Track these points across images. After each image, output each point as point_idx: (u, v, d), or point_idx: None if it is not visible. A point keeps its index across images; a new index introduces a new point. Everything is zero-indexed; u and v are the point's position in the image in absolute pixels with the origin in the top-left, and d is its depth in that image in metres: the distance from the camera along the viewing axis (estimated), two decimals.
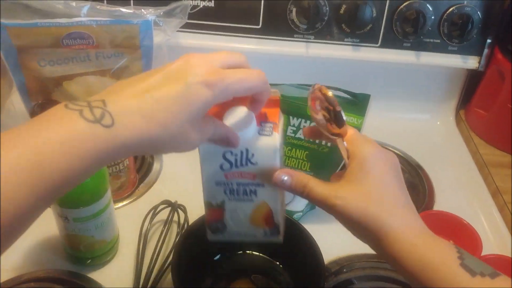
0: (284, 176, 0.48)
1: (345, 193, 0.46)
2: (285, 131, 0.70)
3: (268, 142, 0.48)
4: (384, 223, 0.44)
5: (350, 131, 0.50)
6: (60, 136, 0.36)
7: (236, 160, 0.48)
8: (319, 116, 0.50)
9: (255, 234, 0.54)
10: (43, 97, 0.77)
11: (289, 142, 0.71)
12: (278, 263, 0.69)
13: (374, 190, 0.46)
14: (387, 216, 0.45)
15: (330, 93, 0.50)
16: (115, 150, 0.38)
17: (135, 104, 0.39)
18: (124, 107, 0.38)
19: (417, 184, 0.89)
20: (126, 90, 0.40)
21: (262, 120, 0.49)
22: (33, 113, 0.72)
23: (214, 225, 0.54)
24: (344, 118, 0.49)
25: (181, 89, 0.40)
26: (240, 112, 0.47)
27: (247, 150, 0.48)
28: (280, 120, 0.50)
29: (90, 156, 0.36)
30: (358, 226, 0.45)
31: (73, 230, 0.65)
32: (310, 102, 0.50)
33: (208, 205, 0.53)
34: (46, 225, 0.71)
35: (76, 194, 0.61)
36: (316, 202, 0.48)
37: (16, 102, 0.82)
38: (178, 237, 0.70)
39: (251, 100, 0.47)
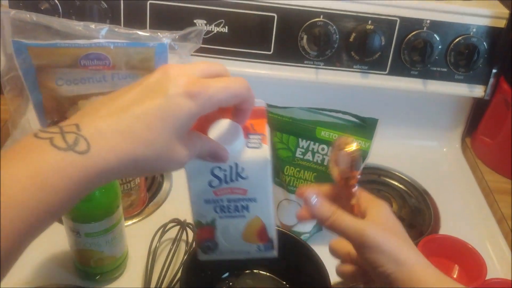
0: (314, 197, 0.49)
1: (369, 225, 0.48)
2: (294, 152, 0.72)
3: (258, 155, 0.45)
4: (404, 257, 0.46)
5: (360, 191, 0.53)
6: (30, 171, 0.32)
7: (225, 175, 0.46)
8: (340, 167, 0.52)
9: (249, 250, 0.53)
10: (58, 115, 0.79)
11: (297, 164, 0.72)
12: (285, 282, 0.69)
13: (392, 230, 0.49)
14: (406, 251, 0.47)
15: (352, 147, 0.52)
16: (96, 177, 0.35)
17: (113, 124, 0.36)
18: (101, 129, 0.35)
19: (423, 209, 0.90)
20: (101, 109, 0.37)
21: (249, 132, 0.46)
22: None
23: (205, 244, 0.52)
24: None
25: (162, 102, 0.37)
26: (225, 124, 0.45)
27: (236, 165, 0.45)
28: (268, 131, 0.48)
29: (66, 187, 0.33)
30: (376, 256, 0.47)
31: (84, 245, 0.66)
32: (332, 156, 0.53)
33: (198, 224, 0.50)
34: (57, 240, 0.72)
35: (89, 209, 0.63)
36: (342, 230, 0.48)
37: (31, 119, 0.83)
38: (187, 255, 0.71)
39: (235, 111, 0.45)
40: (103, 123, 0.35)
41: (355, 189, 0.52)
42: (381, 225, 0.48)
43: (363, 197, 0.52)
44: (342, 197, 0.52)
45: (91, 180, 0.35)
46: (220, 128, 0.45)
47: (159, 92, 0.37)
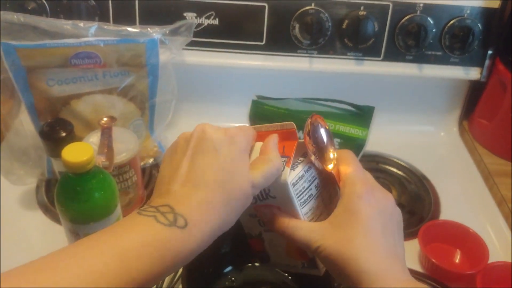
0: (266, 211, 0.49)
1: (326, 235, 0.46)
2: None
3: (279, 178, 0.47)
4: (360, 268, 0.43)
5: (345, 165, 0.49)
6: (142, 240, 0.37)
7: (258, 195, 0.49)
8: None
9: (295, 265, 0.54)
10: (51, 116, 0.78)
11: None
12: (287, 274, 0.69)
13: (354, 235, 0.45)
14: (364, 261, 0.43)
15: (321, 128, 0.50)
16: (192, 249, 0.40)
17: (200, 198, 0.41)
18: (191, 206, 0.40)
19: (423, 194, 0.89)
20: (174, 185, 0.42)
21: (280, 154, 0.48)
22: (42, 132, 0.73)
23: (260, 255, 0.56)
24: (331, 155, 0.49)
25: (214, 154, 0.44)
26: (255, 147, 0.48)
27: None
28: (298, 150, 0.49)
29: (170, 256, 0.38)
30: (337, 269, 0.45)
31: None
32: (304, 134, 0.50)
33: (249, 236, 0.55)
34: (56, 242, 0.72)
35: (87, 210, 0.62)
36: (298, 244, 0.48)
37: (25, 121, 0.83)
38: None
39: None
40: (186, 198, 0.41)
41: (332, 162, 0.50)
42: (341, 228, 0.45)
43: (342, 180, 0.49)
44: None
45: (187, 252, 0.39)
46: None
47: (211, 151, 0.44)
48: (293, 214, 0.49)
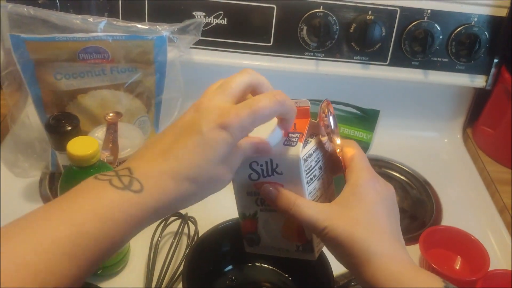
0: (271, 188, 0.48)
1: (334, 216, 0.46)
2: None
3: (291, 153, 0.47)
4: (368, 249, 0.44)
5: (352, 152, 0.49)
6: (94, 205, 0.37)
7: (262, 170, 0.48)
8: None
9: (288, 249, 0.53)
10: (57, 109, 0.78)
11: None
12: (287, 275, 0.69)
13: (362, 217, 0.46)
14: (372, 242, 0.44)
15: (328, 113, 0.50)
16: (150, 213, 0.39)
17: (158, 166, 0.40)
18: (150, 171, 0.40)
19: (425, 200, 0.90)
20: (146, 154, 0.41)
21: (291, 131, 0.48)
22: (48, 125, 0.73)
23: (249, 236, 0.54)
24: (337, 140, 0.50)
25: (199, 139, 0.40)
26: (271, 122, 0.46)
27: (271, 160, 0.47)
28: (309, 129, 0.49)
29: (124, 221, 0.37)
30: (343, 250, 0.45)
31: None
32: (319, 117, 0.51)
33: (242, 216, 0.53)
34: None
35: None
36: (303, 223, 0.47)
37: (31, 114, 0.83)
38: (189, 248, 0.71)
39: (279, 119, 0.46)
40: (151, 167, 0.40)
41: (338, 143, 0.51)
42: (349, 209, 0.46)
43: (348, 164, 0.49)
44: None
45: (146, 216, 0.39)
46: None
47: (193, 131, 0.40)
48: (298, 192, 0.48)
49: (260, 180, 0.49)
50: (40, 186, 0.83)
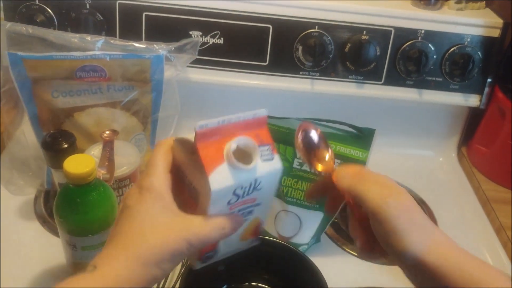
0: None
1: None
2: (291, 163, 0.72)
3: (273, 167, 0.47)
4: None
5: (356, 168, 0.49)
6: None
7: (243, 192, 0.47)
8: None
9: (241, 247, 0.53)
10: (54, 127, 0.78)
11: (295, 175, 0.72)
12: None
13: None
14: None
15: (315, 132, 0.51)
16: None
17: (111, 253, 0.43)
18: (102, 256, 0.43)
19: None
20: (107, 245, 0.45)
21: (259, 143, 0.46)
22: (44, 143, 0.73)
23: (206, 255, 0.52)
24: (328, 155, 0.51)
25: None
26: (243, 142, 0.46)
27: (255, 180, 0.46)
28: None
29: None
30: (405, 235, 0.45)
31: (80, 258, 0.65)
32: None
33: None
34: (53, 253, 0.71)
35: (86, 222, 0.62)
36: (363, 200, 0.47)
37: (27, 132, 0.83)
38: (184, 267, 0.70)
39: None
40: (106, 254, 0.43)
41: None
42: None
43: (356, 179, 0.49)
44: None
45: None
46: (238, 148, 0.45)
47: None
48: (266, 200, 0.49)
49: (238, 201, 0.47)
50: (35, 204, 0.83)
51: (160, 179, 0.45)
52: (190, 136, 0.45)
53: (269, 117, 0.73)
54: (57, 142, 0.72)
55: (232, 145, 0.44)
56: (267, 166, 0.46)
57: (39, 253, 0.73)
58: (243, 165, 0.44)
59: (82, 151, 0.74)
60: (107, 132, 0.73)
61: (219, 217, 0.45)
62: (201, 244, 0.45)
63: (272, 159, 0.47)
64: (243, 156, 0.45)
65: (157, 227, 0.43)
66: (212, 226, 0.45)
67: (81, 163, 0.59)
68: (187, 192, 0.47)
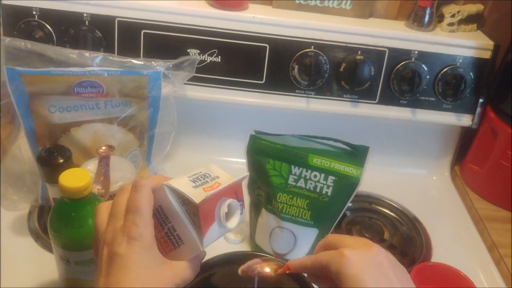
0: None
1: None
2: (286, 179, 0.72)
3: (241, 219, 0.53)
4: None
5: (345, 252, 0.47)
6: None
7: None
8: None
9: None
10: (50, 142, 0.78)
11: (290, 191, 0.72)
12: None
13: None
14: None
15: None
16: None
17: None
18: None
19: (415, 237, 0.90)
20: None
21: (237, 199, 0.52)
22: (40, 157, 0.73)
23: None
24: None
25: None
26: (232, 205, 0.51)
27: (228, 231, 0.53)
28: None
29: None
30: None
31: (73, 274, 0.65)
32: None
33: None
34: (45, 269, 0.71)
35: (80, 237, 0.62)
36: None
37: (23, 147, 0.83)
38: None
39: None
40: None
41: None
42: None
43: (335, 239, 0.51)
44: None
45: None
46: (228, 209, 0.51)
47: (116, 259, 0.46)
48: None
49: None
50: (29, 219, 0.82)
51: (148, 229, 0.47)
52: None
53: (266, 133, 0.74)
54: (53, 157, 0.72)
55: (225, 209, 0.50)
56: (238, 219, 0.52)
57: (32, 269, 0.73)
58: (229, 224, 0.51)
59: (78, 166, 0.74)
60: (103, 148, 0.73)
61: (197, 259, 0.51)
62: (185, 284, 0.49)
63: (242, 212, 0.53)
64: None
65: (150, 277, 0.46)
66: (194, 269, 0.50)
67: (76, 177, 0.59)
68: (163, 233, 0.50)
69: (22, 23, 0.85)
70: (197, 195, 0.47)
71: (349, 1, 0.95)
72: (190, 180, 0.50)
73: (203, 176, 0.51)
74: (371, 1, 0.96)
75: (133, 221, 0.47)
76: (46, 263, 0.72)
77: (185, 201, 0.48)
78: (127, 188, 0.50)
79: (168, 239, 0.50)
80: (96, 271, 0.48)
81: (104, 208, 0.51)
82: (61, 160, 0.72)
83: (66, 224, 0.62)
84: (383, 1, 0.98)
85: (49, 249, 0.75)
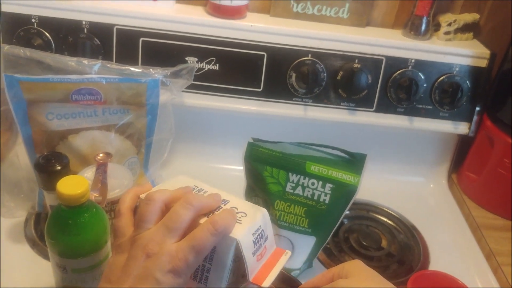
0: None
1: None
2: (284, 187, 0.72)
3: None
4: None
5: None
6: None
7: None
8: None
9: None
10: (48, 149, 0.78)
11: (288, 198, 0.72)
12: None
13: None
14: None
15: None
16: None
17: None
18: None
19: (412, 244, 0.90)
20: None
21: None
22: (37, 164, 0.73)
23: None
24: None
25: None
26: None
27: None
28: None
29: None
30: None
31: (70, 282, 0.65)
32: None
33: None
34: (42, 277, 0.71)
35: (77, 244, 0.62)
36: None
37: (20, 154, 0.83)
38: None
39: None
40: None
41: None
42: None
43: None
44: None
45: None
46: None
47: (150, 281, 0.45)
48: None
49: None
50: (25, 227, 0.82)
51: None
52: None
53: (263, 141, 0.75)
54: (50, 164, 0.72)
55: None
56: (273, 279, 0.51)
57: (29, 277, 0.72)
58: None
59: (75, 173, 0.74)
60: (101, 155, 0.73)
61: None
62: None
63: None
64: None
65: None
66: None
67: (74, 184, 0.59)
68: None
69: (21, 31, 0.86)
70: (254, 269, 0.49)
71: (346, 10, 0.96)
72: (252, 241, 0.49)
73: (260, 234, 0.51)
74: (368, 10, 0.97)
75: (150, 238, 0.47)
76: (43, 271, 0.72)
77: (237, 258, 0.48)
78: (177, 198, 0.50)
79: (195, 270, 0.50)
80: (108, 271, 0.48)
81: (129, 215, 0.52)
82: (59, 167, 0.72)
83: (63, 232, 0.61)
84: (380, 10, 0.99)
85: (46, 257, 0.74)
